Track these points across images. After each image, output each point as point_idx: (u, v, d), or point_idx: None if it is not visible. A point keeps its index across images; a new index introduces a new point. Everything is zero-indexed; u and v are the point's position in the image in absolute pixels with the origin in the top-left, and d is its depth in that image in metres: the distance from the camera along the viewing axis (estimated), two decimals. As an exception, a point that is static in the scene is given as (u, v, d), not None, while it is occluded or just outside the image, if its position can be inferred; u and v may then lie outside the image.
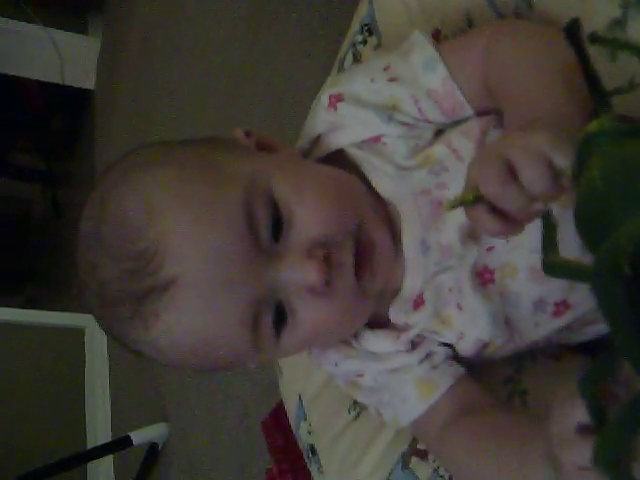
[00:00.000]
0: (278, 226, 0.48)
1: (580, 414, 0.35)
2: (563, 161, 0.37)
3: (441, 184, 0.52)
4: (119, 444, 1.76)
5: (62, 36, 2.67)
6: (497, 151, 0.39)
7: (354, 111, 0.55)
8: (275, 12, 1.50)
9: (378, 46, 0.73)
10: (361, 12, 0.76)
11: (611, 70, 0.43)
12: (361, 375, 0.58)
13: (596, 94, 0.38)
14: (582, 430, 0.36)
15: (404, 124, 0.53)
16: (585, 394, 0.35)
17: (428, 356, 0.55)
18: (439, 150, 0.53)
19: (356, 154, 0.55)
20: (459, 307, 0.53)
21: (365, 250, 0.50)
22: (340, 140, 0.56)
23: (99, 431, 2.11)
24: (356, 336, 0.57)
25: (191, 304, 0.46)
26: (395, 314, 0.55)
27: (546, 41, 0.49)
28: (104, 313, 0.50)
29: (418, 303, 0.54)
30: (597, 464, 0.34)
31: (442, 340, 0.55)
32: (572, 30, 0.39)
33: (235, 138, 0.56)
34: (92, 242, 0.49)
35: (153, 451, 1.81)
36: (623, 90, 0.40)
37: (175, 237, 0.46)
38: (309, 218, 0.49)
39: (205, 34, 1.91)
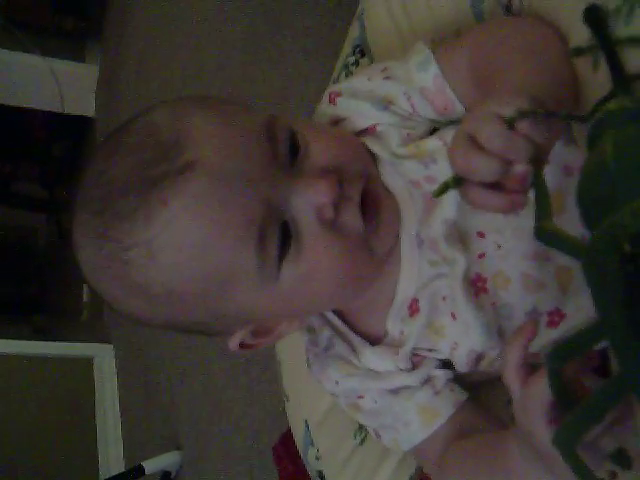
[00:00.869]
0: (294, 153, 0.49)
1: (540, 392, 0.35)
2: (508, 109, 0.37)
3: (430, 177, 0.53)
4: (132, 474, 1.74)
5: (60, 65, 2.68)
6: (458, 130, 0.40)
7: (352, 103, 0.56)
8: (270, 34, 1.51)
9: (370, 66, 0.73)
10: (353, 34, 0.76)
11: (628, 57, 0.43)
12: (361, 397, 0.57)
13: (616, 78, 0.38)
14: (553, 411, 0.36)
15: (398, 115, 0.55)
16: (551, 368, 0.35)
17: (429, 381, 0.55)
18: (431, 142, 0.54)
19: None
20: (453, 316, 0.53)
21: (372, 202, 0.51)
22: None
23: (111, 461, 2.10)
24: (357, 354, 0.57)
25: (203, 191, 0.45)
26: (392, 322, 0.55)
27: (528, 31, 0.50)
28: (99, 221, 0.47)
29: (413, 310, 0.54)
30: (556, 445, 0.34)
31: (438, 356, 0.55)
32: (591, 14, 0.39)
33: None
34: (106, 153, 0.49)
35: (166, 479, 1.79)
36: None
37: (198, 130, 0.47)
38: (323, 150, 0.50)
39: (201, 57, 1.92)
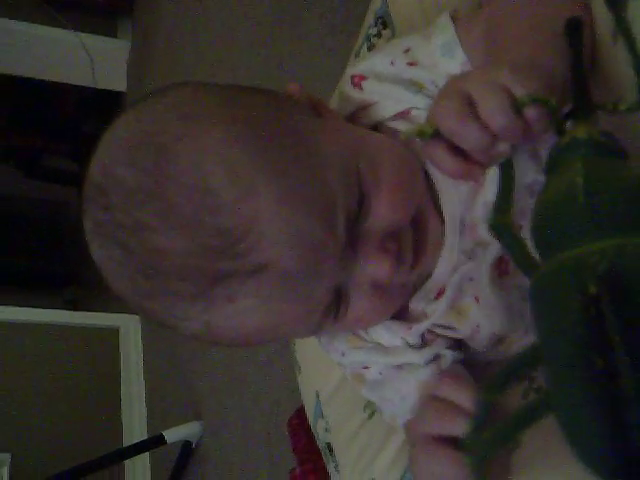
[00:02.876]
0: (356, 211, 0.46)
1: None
2: (523, 90, 0.35)
3: None
4: (153, 443, 1.78)
5: (92, 40, 2.71)
6: (457, 85, 0.38)
7: (381, 87, 0.53)
8: (297, 10, 1.50)
9: (392, 39, 0.72)
10: (375, 5, 0.75)
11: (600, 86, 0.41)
12: (367, 367, 0.56)
13: (579, 99, 0.37)
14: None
15: (431, 98, 0.52)
16: (485, 400, 0.34)
17: (436, 359, 0.53)
18: None
19: (394, 127, 0.53)
20: (477, 299, 0.51)
21: (418, 239, 0.49)
22: (374, 116, 0.54)
23: (135, 429, 2.15)
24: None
25: (275, 292, 0.42)
26: (416, 302, 0.53)
27: (549, 4, 0.47)
28: (148, 285, 0.43)
29: (439, 293, 0.52)
30: (467, 457, 0.34)
31: (456, 335, 0.54)
32: (572, 29, 0.38)
33: (291, 94, 0.51)
34: (143, 198, 0.42)
35: (187, 449, 1.83)
36: (605, 108, 0.37)
37: (271, 218, 0.41)
38: (384, 207, 0.46)
39: (229, 33, 1.93)
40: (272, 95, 0.50)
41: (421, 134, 0.38)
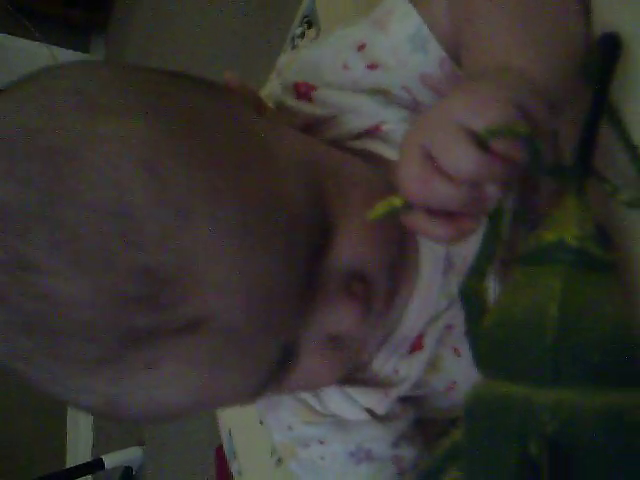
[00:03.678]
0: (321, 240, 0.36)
1: None
2: (480, 122, 0.28)
3: None
4: (91, 467, 1.71)
5: (64, 54, 2.69)
6: (412, 139, 0.30)
7: (338, 98, 0.42)
8: (261, 32, 1.53)
9: (315, 39, 0.69)
10: (303, 5, 0.72)
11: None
12: (307, 446, 0.46)
13: (582, 156, 0.29)
14: None
15: (405, 108, 0.42)
16: None
17: (399, 460, 0.46)
18: None
19: (361, 146, 0.43)
20: (455, 350, 0.44)
21: (393, 280, 0.40)
22: (329, 133, 0.43)
23: (79, 451, 2.09)
24: (317, 397, 0.45)
25: (213, 354, 0.31)
26: (384, 358, 0.44)
27: None
28: (23, 341, 0.30)
29: (415, 347, 0.44)
30: None
31: (424, 393, 0.46)
32: (607, 49, 0.31)
33: (229, 87, 0.40)
34: (28, 224, 0.29)
35: (128, 474, 1.77)
36: (605, 189, 0.30)
37: (214, 253, 0.30)
38: (355, 241, 0.36)
39: (198, 51, 1.95)
40: (210, 84, 0.38)
41: (393, 209, 0.31)
